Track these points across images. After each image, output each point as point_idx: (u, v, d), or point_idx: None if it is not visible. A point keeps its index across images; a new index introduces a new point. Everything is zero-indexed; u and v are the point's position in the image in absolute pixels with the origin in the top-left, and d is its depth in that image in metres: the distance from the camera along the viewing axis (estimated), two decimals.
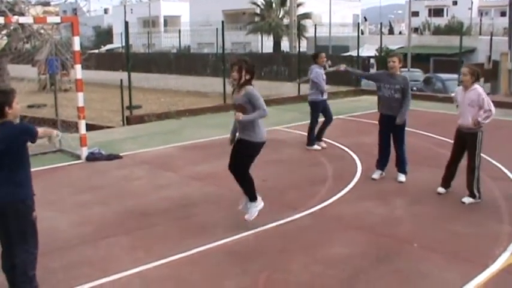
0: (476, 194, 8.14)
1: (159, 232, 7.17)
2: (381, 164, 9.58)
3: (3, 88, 5.37)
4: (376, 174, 9.54)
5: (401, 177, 9.34)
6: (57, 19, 12.51)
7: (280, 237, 6.98)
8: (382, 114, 9.36)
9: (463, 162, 8.35)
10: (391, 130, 9.30)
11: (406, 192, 8.82)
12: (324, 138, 12.14)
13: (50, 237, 6.66)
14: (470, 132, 8.10)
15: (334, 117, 12.40)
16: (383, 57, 24.60)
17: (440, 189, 8.60)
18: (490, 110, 7.86)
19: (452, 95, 8.72)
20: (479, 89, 8.03)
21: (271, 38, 47.05)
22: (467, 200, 8.14)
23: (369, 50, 35.05)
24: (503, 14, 73.12)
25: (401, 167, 9.41)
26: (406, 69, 25.77)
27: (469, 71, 8.08)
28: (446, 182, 8.58)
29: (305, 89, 21.93)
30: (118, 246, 6.70)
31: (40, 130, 5.20)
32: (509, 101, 19.08)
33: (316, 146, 11.90)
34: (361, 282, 5.75)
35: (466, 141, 8.23)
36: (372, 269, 6.03)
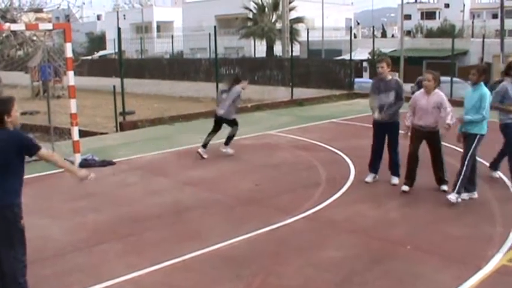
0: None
1: (152, 238, 7.15)
2: (374, 167, 9.60)
3: (1, 96, 5.35)
4: (370, 178, 9.55)
5: (395, 180, 9.37)
6: (49, 26, 12.49)
7: (273, 241, 6.97)
8: (377, 120, 9.39)
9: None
10: (385, 133, 9.35)
11: (399, 194, 8.83)
12: (316, 142, 12.15)
13: (42, 244, 6.65)
14: (434, 131, 8.74)
15: (327, 120, 12.40)
16: (376, 60, 24.65)
17: (405, 187, 8.90)
18: (450, 110, 8.59)
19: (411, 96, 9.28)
20: (440, 92, 8.75)
21: (264, 42, 47.05)
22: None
23: (361, 54, 35.18)
24: (495, 16, 73.50)
25: (394, 169, 9.44)
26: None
27: (432, 76, 8.71)
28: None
29: (298, 93, 22.08)
30: (111, 253, 6.68)
31: (47, 152, 5.21)
32: None
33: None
34: (355, 284, 5.75)
35: (430, 139, 8.85)
36: (365, 271, 6.04)
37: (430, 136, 8.81)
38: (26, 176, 5.21)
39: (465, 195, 8.36)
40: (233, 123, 11.99)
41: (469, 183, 8.34)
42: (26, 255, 5.15)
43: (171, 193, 9.21)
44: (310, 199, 8.58)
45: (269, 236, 7.14)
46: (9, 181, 4.95)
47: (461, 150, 8.40)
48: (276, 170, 10.65)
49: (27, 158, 5.08)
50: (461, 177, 8.16)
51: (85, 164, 11.07)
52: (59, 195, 9.18)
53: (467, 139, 8.23)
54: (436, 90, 8.73)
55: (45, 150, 5.18)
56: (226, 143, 11.92)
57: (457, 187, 8.20)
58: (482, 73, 8.29)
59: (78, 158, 11.17)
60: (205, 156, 11.59)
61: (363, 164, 9.93)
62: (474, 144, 8.17)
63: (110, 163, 11.27)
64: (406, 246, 6.68)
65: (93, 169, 10.77)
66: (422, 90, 8.91)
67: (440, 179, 8.99)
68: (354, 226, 7.47)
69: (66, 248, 6.83)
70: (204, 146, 11.75)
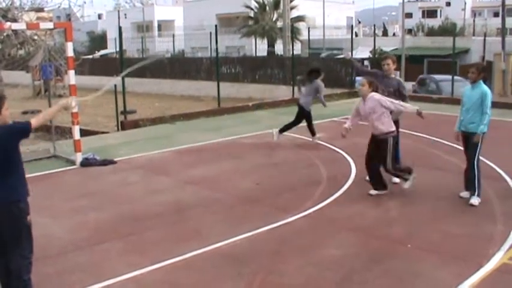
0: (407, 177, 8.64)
1: (153, 237, 7.17)
2: None
3: None
4: None
5: (395, 179, 9.36)
6: (50, 25, 12.48)
7: (274, 240, 6.98)
8: None
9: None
10: None
11: (399, 193, 8.84)
12: (320, 141, 12.22)
13: (44, 243, 6.66)
14: (379, 139, 8.55)
15: (328, 119, 12.47)
16: (377, 59, 24.64)
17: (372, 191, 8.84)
18: (393, 102, 8.47)
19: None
20: (375, 96, 8.46)
21: (265, 41, 47.04)
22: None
23: (363, 52, 35.11)
24: (496, 14, 73.50)
25: None
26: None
27: (366, 81, 8.53)
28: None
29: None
30: (112, 251, 6.70)
31: (37, 119, 5.07)
32: (503, 101, 19.16)
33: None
34: (355, 283, 5.76)
35: (377, 146, 8.63)
36: (366, 270, 6.05)
37: (378, 143, 8.63)
38: (27, 175, 5.20)
39: (465, 194, 8.39)
40: (303, 116, 12.92)
41: (472, 185, 8.33)
42: (32, 252, 5.16)
43: (172, 192, 9.23)
44: (310, 198, 8.59)
45: (270, 235, 7.16)
46: (11, 177, 4.95)
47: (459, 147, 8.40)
48: (276, 168, 10.66)
49: (27, 157, 5.05)
50: (476, 181, 8.16)
51: (86, 163, 11.11)
52: (59, 194, 9.20)
53: (470, 139, 8.21)
54: (371, 95, 8.50)
55: (34, 120, 5.04)
56: (283, 130, 12.90)
57: (476, 190, 8.17)
58: (481, 71, 8.28)
59: (79, 157, 11.19)
60: (275, 139, 12.59)
61: (364, 163, 9.91)
62: (480, 144, 8.17)
63: (111, 162, 11.28)
64: (407, 245, 6.69)
65: (94, 168, 10.85)
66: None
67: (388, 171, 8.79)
68: (355, 225, 7.48)
69: (67, 246, 6.85)
70: (281, 130, 12.80)
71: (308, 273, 6.00)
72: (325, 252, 6.58)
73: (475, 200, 8.12)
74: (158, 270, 6.12)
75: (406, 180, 8.73)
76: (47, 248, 6.65)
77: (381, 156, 8.58)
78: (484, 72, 8.36)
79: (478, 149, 8.18)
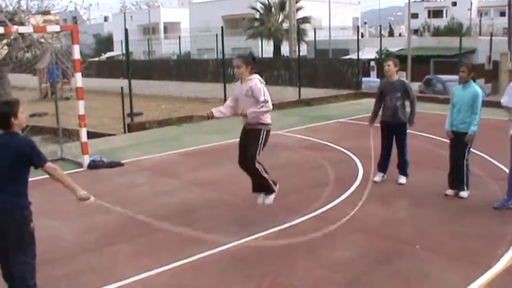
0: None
1: (161, 239, 7.17)
2: (382, 166, 9.59)
3: (8, 99, 5.36)
4: (378, 177, 9.55)
5: (402, 179, 9.36)
6: (57, 28, 12.54)
7: (282, 242, 6.96)
8: (385, 121, 9.40)
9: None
10: (394, 134, 9.37)
11: (407, 194, 8.83)
12: (323, 142, 12.16)
13: (52, 246, 6.68)
14: (251, 129, 7.63)
15: (335, 120, 12.43)
16: (383, 59, 24.61)
17: None
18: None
19: None
20: (256, 78, 7.56)
21: (271, 42, 47.12)
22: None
23: (369, 53, 35.13)
24: (502, 14, 73.16)
25: (402, 169, 9.44)
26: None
27: (242, 61, 7.54)
28: None
29: (306, 92, 22.06)
30: (121, 254, 6.71)
31: (54, 168, 5.06)
32: None
33: None
34: (364, 284, 5.75)
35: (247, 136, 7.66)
36: (374, 271, 6.04)
37: (249, 135, 7.63)
38: (33, 178, 5.22)
39: (451, 192, 8.58)
40: None
41: (461, 182, 8.50)
42: (35, 258, 5.17)
43: (180, 194, 9.24)
44: (318, 199, 8.58)
45: (278, 237, 7.14)
46: (18, 184, 4.97)
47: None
48: (283, 170, 10.64)
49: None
50: (465, 177, 8.41)
51: (93, 165, 11.14)
52: (67, 197, 9.14)
53: (461, 139, 8.29)
54: (252, 76, 7.55)
55: (50, 164, 5.06)
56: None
57: (465, 184, 8.44)
58: (471, 70, 8.32)
59: (86, 159, 11.22)
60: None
61: (371, 164, 9.91)
62: (470, 145, 8.33)
63: (118, 164, 11.31)
64: (415, 246, 6.68)
65: (102, 170, 10.87)
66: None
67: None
68: (363, 226, 7.46)
69: (75, 249, 6.87)
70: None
71: (317, 275, 5.99)
72: (334, 254, 6.57)
73: (464, 193, 8.43)
74: (166, 272, 6.13)
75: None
76: (55, 250, 6.67)
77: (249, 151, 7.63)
78: (473, 70, 8.38)
79: (468, 149, 8.34)
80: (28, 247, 5.06)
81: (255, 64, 7.71)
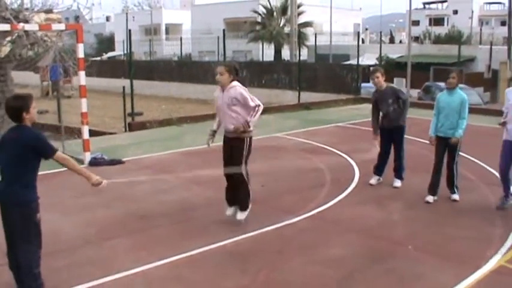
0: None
1: (160, 234, 7.34)
2: (379, 170, 9.77)
3: (21, 93, 5.53)
4: (374, 180, 9.72)
5: (397, 183, 9.54)
6: (62, 26, 12.67)
7: (278, 239, 7.15)
8: (383, 127, 9.58)
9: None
10: (391, 138, 9.58)
11: (402, 197, 9.01)
12: (322, 145, 12.32)
13: (53, 238, 6.83)
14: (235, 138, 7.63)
15: (334, 124, 12.58)
16: (383, 65, 24.79)
17: None
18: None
19: None
20: (238, 86, 7.51)
21: (272, 46, 47.25)
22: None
23: (369, 59, 35.25)
24: (503, 23, 73.38)
25: (398, 172, 9.61)
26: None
27: (225, 69, 7.43)
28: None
29: (305, 96, 22.24)
30: (120, 247, 6.87)
31: (64, 157, 5.31)
32: None
33: None
34: (357, 281, 5.91)
35: (232, 149, 7.76)
36: (367, 269, 6.20)
37: (232, 145, 7.63)
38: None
39: (431, 198, 8.73)
40: None
41: (452, 185, 8.75)
42: (41, 247, 5.34)
43: (179, 192, 9.40)
44: (314, 200, 8.75)
45: (274, 234, 7.32)
46: (27, 176, 5.14)
47: None
48: (282, 171, 10.80)
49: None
50: (455, 180, 8.70)
51: (94, 162, 11.29)
52: (68, 192, 9.37)
53: (449, 144, 8.49)
54: (233, 84, 7.46)
55: (60, 154, 5.29)
56: None
57: (455, 187, 8.72)
58: (461, 77, 8.57)
59: (87, 157, 11.37)
60: None
61: (368, 167, 10.09)
62: (458, 148, 8.56)
63: (119, 162, 11.47)
64: (408, 246, 6.84)
65: (102, 167, 11.02)
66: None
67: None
68: (357, 226, 7.64)
69: (76, 242, 7.03)
70: None
71: (310, 271, 6.16)
72: (328, 251, 6.73)
73: (457, 196, 8.68)
74: (164, 265, 6.28)
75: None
76: (56, 242, 6.82)
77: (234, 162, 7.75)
78: (461, 76, 8.65)
79: (457, 153, 8.57)
80: (34, 237, 5.23)
81: (237, 77, 7.53)
